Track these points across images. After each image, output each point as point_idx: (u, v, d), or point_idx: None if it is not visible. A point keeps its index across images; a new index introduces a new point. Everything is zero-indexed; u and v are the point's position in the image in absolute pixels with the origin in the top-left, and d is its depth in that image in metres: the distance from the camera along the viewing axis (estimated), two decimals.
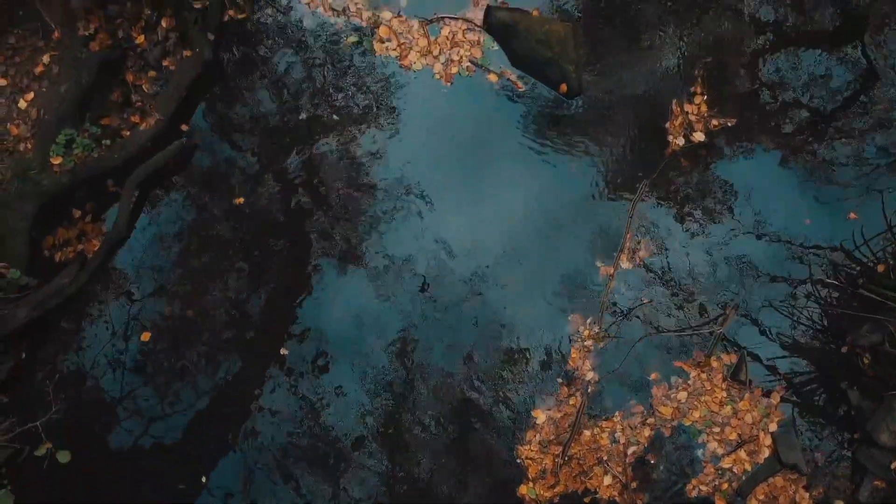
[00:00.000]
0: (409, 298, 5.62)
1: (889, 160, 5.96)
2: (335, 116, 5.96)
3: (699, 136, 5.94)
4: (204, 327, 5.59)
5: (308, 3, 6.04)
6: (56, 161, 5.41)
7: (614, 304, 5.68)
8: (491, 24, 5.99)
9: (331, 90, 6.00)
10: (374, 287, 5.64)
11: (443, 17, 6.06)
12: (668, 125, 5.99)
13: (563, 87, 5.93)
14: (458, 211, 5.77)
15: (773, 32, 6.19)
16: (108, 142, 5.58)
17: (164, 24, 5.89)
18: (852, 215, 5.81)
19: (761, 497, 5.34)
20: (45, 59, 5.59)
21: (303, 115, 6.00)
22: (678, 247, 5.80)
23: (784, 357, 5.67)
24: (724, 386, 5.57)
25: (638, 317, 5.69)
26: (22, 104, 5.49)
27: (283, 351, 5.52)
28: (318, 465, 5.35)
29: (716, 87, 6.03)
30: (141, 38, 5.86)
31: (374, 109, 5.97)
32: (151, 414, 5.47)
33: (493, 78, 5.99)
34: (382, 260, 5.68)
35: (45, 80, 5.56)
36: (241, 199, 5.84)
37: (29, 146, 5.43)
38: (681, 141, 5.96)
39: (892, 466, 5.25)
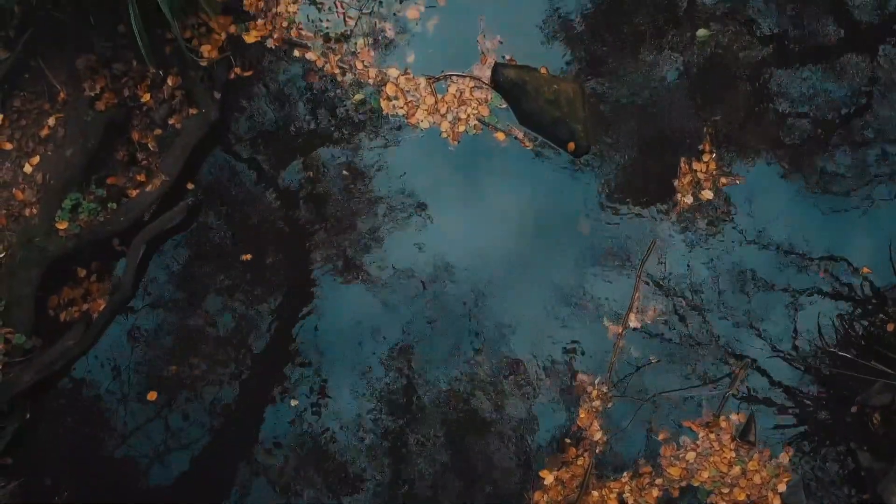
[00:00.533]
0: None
1: None
2: (344, 172, 5.94)
3: (708, 195, 5.92)
4: (207, 378, 5.60)
5: (315, 61, 6.00)
6: (62, 226, 5.37)
7: (624, 362, 5.67)
8: (499, 83, 5.97)
9: (338, 149, 5.98)
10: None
11: (450, 75, 6.04)
12: (676, 183, 5.97)
13: (572, 146, 5.91)
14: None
15: (787, 101, 6.19)
16: (113, 205, 5.54)
17: (170, 82, 5.86)
18: (865, 269, 5.81)
19: None
20: (51, 121, 5.56)
21: (309, 174, 5.97)
22: (687, 305, 5.78)
23: (793, 416, 5.64)
24: (732, 446, 5.55)
25: (646, 375, 5.67)
26: (27, 168, 5.45)
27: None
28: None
29: (725, 145, 6.02)
30: (147, 97, 5.83)
31: (381, 168, 5.95)
32: (155, 465, 5.49)
33: (500, 136, 5.97)
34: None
35: (51, 143, 5.52)
36: (249, 256, 5.82)
37: (34, 211, 5.39)
38: (689, 199, 5.94)
39: None
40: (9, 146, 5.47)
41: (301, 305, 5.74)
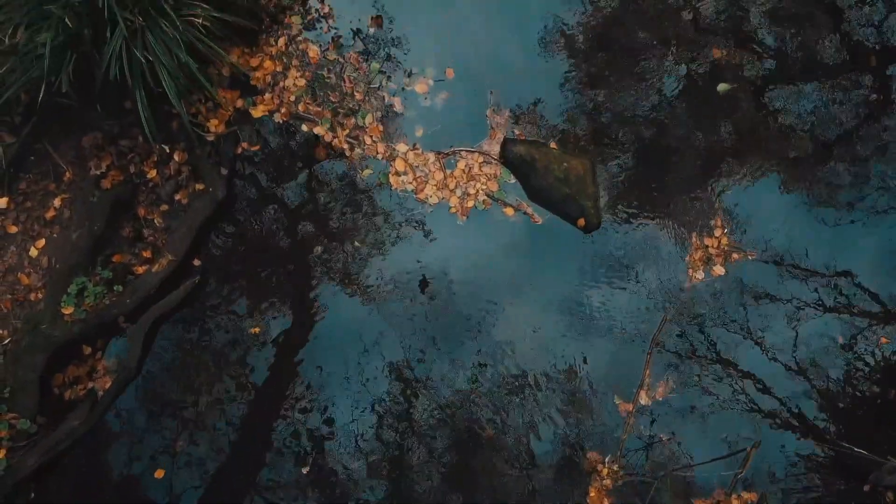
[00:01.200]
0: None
1: None
2: (356, 243, 5.88)
3: (719, 270, 5.88)
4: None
5: (323, 136, 5.95)
6: (67, 311, 5.30)
7: (635, 438, 5.61)
8: (508, 159, 5.92)
9: (346, 224, 5.92)
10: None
11: (459, 151, 5.99)
12: (687, 258, 5.93)
13: (582, 222, 5.87)
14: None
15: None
16: (119, 287, 5.47)
17: (176, 157, 5.80)
18: (884, 340, 5.77)
19: None
20: (57, 202, 5.49)
21: (318, 248, 5.91)
22: (698, 380, 5.73)
23: (804, 493, 5.59)
24: None
25: (657, 450, 5.62)
26: (33, 252, 5.38)
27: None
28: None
29: (737, 220, 5.98)
30: (153, 173, 5.78)
31: (392, 245, 5.90)
32: None
33: (509, 212, 5.92)
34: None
35: (57, 224, 5.46)
36: (258, 329, 5.75)
37: (39, 296, 5.32)
38: (700, 274, 5.90)
39: None
40: (14, 229, 5.41)
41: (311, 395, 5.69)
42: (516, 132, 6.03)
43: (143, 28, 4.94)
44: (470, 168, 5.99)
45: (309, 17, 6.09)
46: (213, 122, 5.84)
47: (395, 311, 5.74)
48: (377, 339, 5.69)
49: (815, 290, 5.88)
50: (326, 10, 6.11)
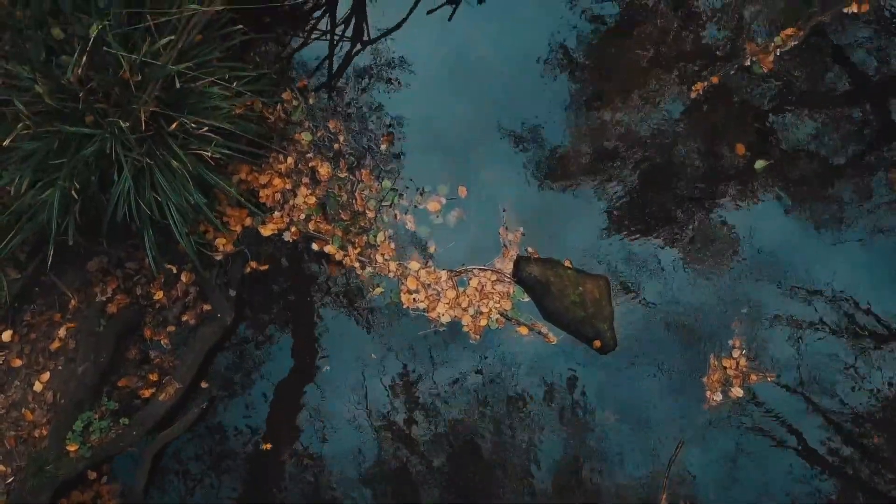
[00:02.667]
0: None
1: None
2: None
3: (737, 392, 5.75)
4: None
5: (334, 255, 5.84)
6: (72, 448, 5.19)
7: None
8: (522, 278, 5.80)
9: (356, 344, 5.81)
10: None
11: (471, 269, 5.88)
12: (705, 380, 5.79)
13: (597, 343, 5.74)
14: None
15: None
16: (125, 420, 5.36)
17: (184, 279, 5.70)
18: None
19: None
20: (62, 332, 5.39)
21: (327, 368, 5.80)
22: None
23: None
24: None
25: None
26: (38, 386, 5.27)
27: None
28: None
29: (755, 339, 5.85)
30: (160, 295, 5.67)
31: (404, 360, 5.79)
32: None
33: (523, 331, 5.80)
34: None
35: (62, 356, 5.35)
36: (269, 445, 5.64)
37: (44, 432, 5.21)
38: (718, 396, 5.76)
39: None
40: (18, 362, 5.30)
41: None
42: (529, 249, 5.91)
43: (150, 168, 4.84)
44: (483, 286, 5.87)
45: (319, 134, 5.98)
46: (221, 241, 5.73)
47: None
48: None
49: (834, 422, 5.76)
50: (337, 127, 6.01)
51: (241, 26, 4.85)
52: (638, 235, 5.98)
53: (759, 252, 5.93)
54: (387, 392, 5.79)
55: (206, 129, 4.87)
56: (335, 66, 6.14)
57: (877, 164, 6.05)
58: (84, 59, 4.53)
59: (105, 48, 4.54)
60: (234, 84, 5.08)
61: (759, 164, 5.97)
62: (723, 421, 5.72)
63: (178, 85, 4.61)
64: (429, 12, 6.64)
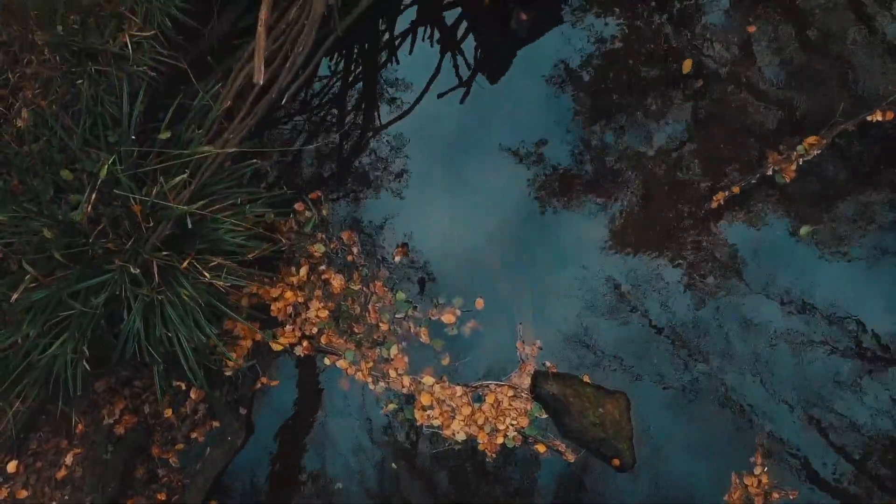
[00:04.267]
0: None
1: None
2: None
3: None
4: None
5: (346, 370, 5.70)
6: None
7: None
8: (539, 395, 5.66)
9: (367, 465, 5.66)
10: None
11: (488, 384, 5.74)
12: (726, 498, 5.65)
13: (616, 462, 5.60)
14: None
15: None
16: None
17: (193, 395, 5.56)
18: None
19: None
20: (68, 459, 5.24)
21: (338, 485, 5.66)
22: None
23: None
24: None
25: None
26: None
27: None
28: None
29: (776, 457, 5.71)
30: (169, 413, 5.53)
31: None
32: None
33: (541, 448, 5.66)
34: None
35: (68, 485, 5.20)
36: None
37: None
38: None
39: None
40: (23, 493, 5.14)
41: None
42: (547, 364, 5.77)
43: (160, 303, 4.70)
44: (499, 402, 5.73)
45: (332, 246, 5.84)
46: (231, 355, 5.59)
47: None
48: None
49: None
50: (350, 238, 5.87)
51: (254, 160, 4.71)
52: (659, 348, 5.85)
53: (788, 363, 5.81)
54: None
55: (217, 261, 4.74)
56: (348, 177, 6.00)
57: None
58: (94, 196, 4.41)
59: (115, 189, 4.42)
60: (248, 207, 4.97)
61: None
62: None
63: (189, 225, 4.48)
64: (439, 96, 6.54)
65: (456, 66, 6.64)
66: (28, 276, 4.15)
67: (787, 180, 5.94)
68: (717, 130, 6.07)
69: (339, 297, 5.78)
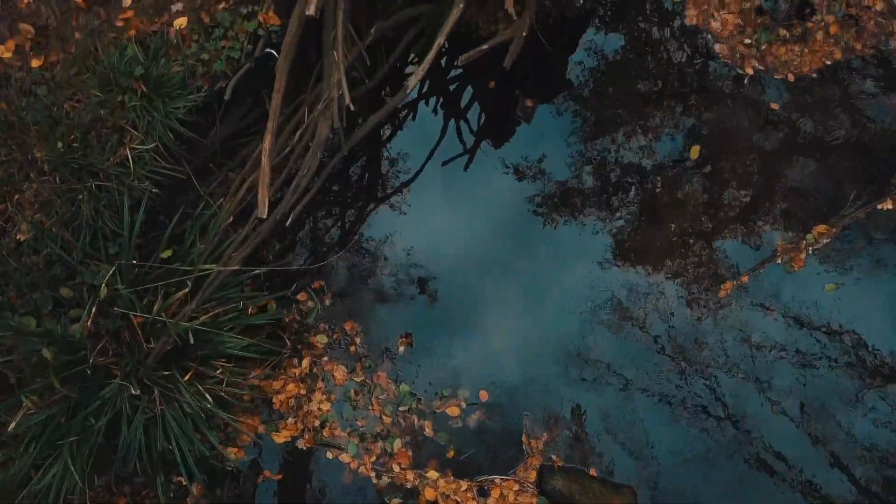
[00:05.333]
0: None
1: None
2: None
3: None
4: None
5: (349, 464, 5.62)
6: None
7: None
8: (546, 491, 5.58)
9: None
10: None
11: (493, 478, 5.65)
12: None
13: None
14: None
15: None
16: None
17: (195, 491, 5.47)
18: None
19: None
20: None
21: None
22: None
23: None
24: None
25: None
26: None
27: None
28: None
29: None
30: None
31: None
32: None
33: None
34: None
35: None
36: None
37: None
38: None
39: None
40: None
41: None
42: (553, 457, 5.69)
43: (161, 414, 4.62)
44: (505, 497, 5.63)
45: (335, 336, 5.77)
46: (233, 449, 5.51)
47: None
48: None
49: None
50: (353, 329, 5.79)
51: (257, 269, 4.63)
52: (666, 441, 5.77)
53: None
54: None
55: (219, 369, 4.67)
56: (351, 265, 5.93)
57: None
58: (94, 310, 4.34)
59: (116, 303, 4.34)
60: (250, 310, 4.90)
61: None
62: None
63: (191, 340, 4.40)
64: (444, 164, 6.47)
65: (459, 132, 6.59)
66: (26, 403, 4.08)
67: (796, 269, 5.86)
68: (725, 217, 5.99)
69: (342, 389, 5.70)
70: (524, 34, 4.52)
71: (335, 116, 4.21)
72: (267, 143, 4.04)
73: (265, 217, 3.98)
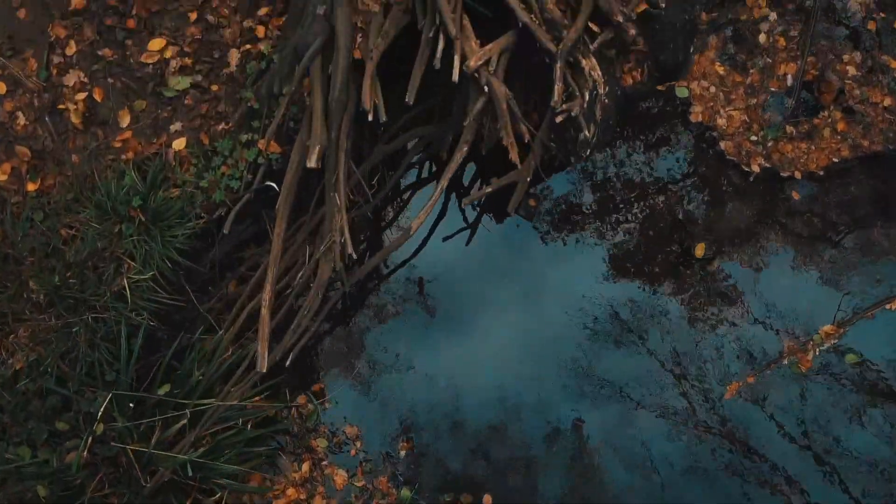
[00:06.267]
0: None
1: None
2: None
3: None
4: None
5: None
6: None
7: None
8: None
9: None
10: None
11: None
12: None
13: None
14: None
15: None
16: None
17: None
18: None
19: None
20: None
21: None
22: None
23: None
24: None
25: None
26: None
27: None
28: None
29: None
30: None
31: None
32: None
33: None
34: None
35: None
36: None
37: None
38: None
39: None
40: None
41: None
42: None
43: None
44: None
45: (336, 440, 5.69)
46: None
47: None
48: None
49: None
50: (354, 432, 5.72)
51: (254, 402, 4.56)
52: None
53: None
54: None
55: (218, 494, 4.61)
56: (352, 367, 5.86)
57: None
58: (90, 440, 4.27)
59: (113, 433, 4.28)
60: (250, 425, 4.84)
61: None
62: None
63: (190, 472, 4.33)
64: (445, 239, 6.39)
65: (462, 210, 6.52)
66: None
67: (804, 370, 5.78)
68: (730, 314, 5.92)
69: (343, 494, 5.62)
70: (528, 179, 4.48)
71: (336, 259, 4.15)
72: (267, 293, 3.98)
73: (265, 370, 3.92)
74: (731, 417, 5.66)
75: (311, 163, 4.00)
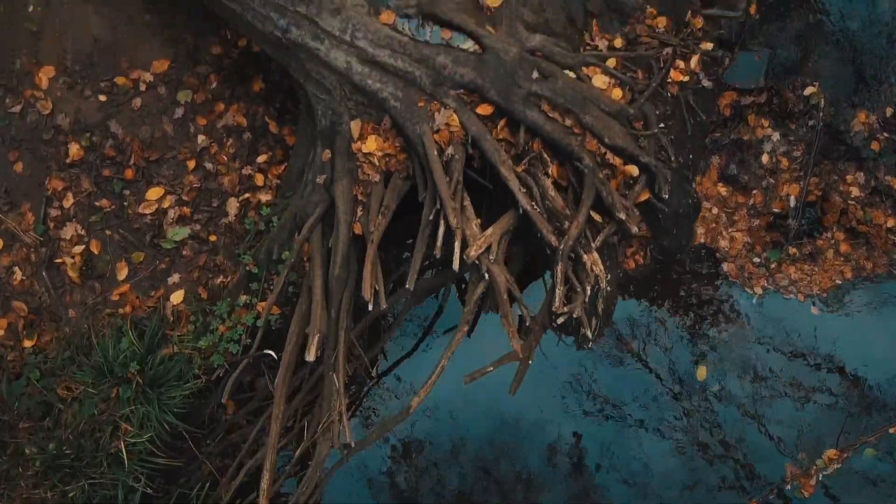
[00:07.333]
0: None
1: None
2: None
3: None
4: None
5: None
6: None
7: None
8: None
9: None
10: None
11: None
12: None
13: None
14: None
15: None
16: None
17: None
18: None
19: None
20: None
21: None
22: None
23: None
24: None
25: None
26: None
27: None
28: None
29: None
30: None
31: None
32: None
33: None
34: None
35: None
36: None
37: None
38: None
39: None
40: None
41: None
42: None
43: None
44: None
45: None
46: None
47: None
48: None
49: None
50: None
51: None
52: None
53: None
54: None
55: None
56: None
57: None
58: None
59: None
60: None
61: (869, 451, 5.63)
62: None
63: None
64: (445, 332, 6.33)
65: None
66: None
67: (806, 496, 5.72)
68: (732, 438, 5.86)
69: None
70: (530, 361, 4.44)
71: (335, 439, 4.11)
72: (265, 483, 3.94)
73: None
74: None
75: (311, 356, 3.97)
